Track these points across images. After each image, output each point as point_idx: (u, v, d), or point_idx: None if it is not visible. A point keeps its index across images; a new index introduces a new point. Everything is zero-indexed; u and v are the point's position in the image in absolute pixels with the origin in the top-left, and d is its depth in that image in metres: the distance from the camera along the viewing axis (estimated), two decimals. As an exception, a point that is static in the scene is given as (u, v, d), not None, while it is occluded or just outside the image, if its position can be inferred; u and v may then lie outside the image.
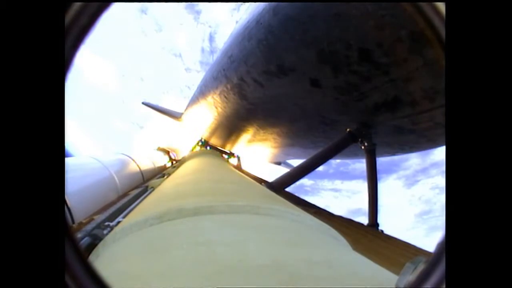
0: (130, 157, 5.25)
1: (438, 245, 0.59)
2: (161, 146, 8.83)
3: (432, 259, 0.58)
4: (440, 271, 0.57)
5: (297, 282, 0.69)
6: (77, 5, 0.59)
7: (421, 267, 0.61)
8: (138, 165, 5.26)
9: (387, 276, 0.86)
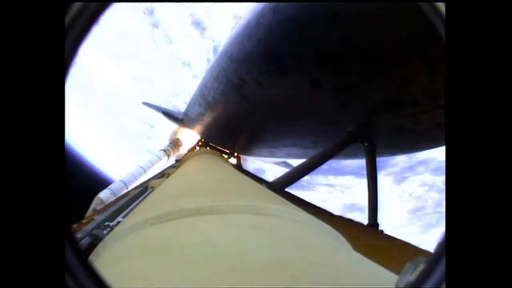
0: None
1: (438, 245, 0.59)
2: (167, 147, 8.83)
3: (432, 259, 0.58)
4: (440, 271, 0.57)
5: (297, 282, 0.69)
6: (77, 5, 0.59)
7: (421, 267, 0.61)
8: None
9: (387, 276, 0.86)
